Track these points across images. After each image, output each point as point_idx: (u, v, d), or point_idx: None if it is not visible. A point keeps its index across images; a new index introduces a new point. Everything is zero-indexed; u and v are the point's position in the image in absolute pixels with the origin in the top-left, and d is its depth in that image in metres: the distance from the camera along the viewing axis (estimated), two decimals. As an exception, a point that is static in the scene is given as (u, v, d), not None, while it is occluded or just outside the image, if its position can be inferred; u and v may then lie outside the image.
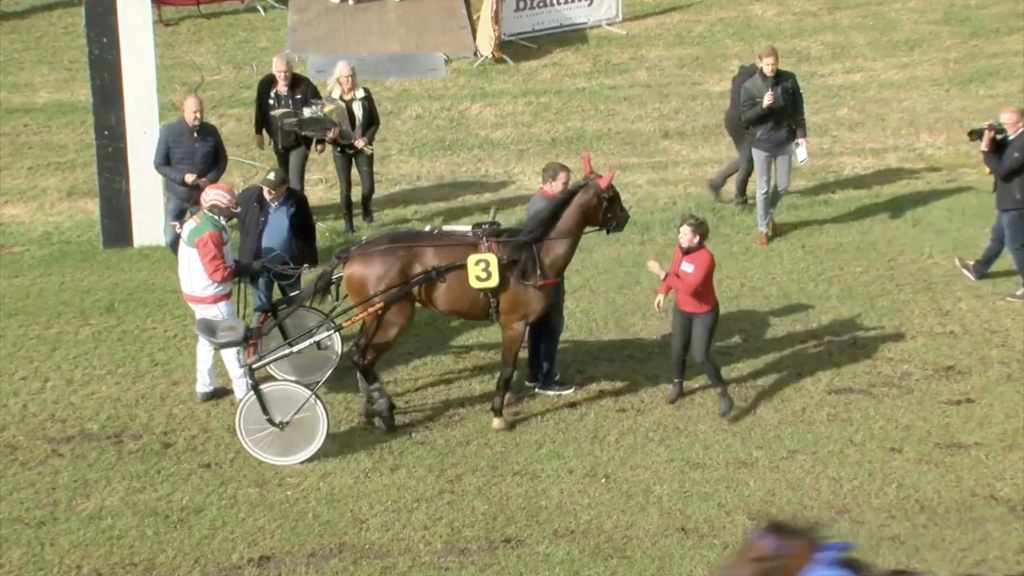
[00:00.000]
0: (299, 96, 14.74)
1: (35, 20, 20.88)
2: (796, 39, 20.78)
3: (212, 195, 11.67)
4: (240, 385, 11.79)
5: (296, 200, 12.53)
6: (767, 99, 14.41)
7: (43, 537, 10.36)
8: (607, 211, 11.47)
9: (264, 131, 15.10)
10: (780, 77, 14.72)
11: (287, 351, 11.52)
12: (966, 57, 20.03)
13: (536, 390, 12.13)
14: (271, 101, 14.80)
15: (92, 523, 10.51)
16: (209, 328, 11.44)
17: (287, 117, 14.56)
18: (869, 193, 16.19)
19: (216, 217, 11.59)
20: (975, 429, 11.74)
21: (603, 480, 11.01)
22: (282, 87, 14.79)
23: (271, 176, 12.34)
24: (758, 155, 14.91)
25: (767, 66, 14.63)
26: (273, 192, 12.23)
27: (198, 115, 13.63)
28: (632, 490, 10.91)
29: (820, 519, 10.59)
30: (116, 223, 14.60)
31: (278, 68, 14.85)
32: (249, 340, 11.41)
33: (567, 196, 11.39)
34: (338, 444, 11.46)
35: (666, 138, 17.78)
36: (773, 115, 14.60)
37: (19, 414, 11.87)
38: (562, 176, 11.84)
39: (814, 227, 15.35)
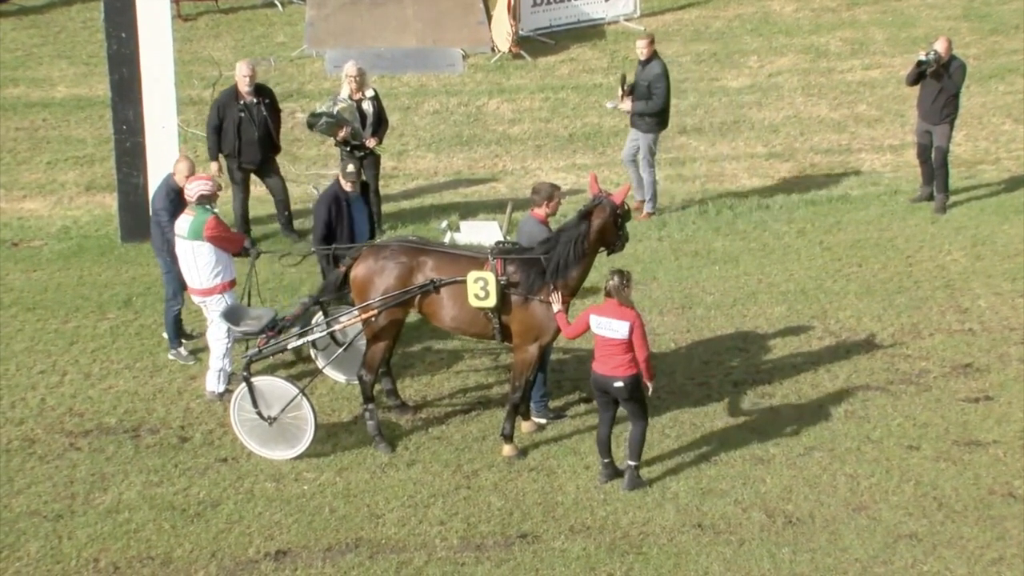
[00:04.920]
0: (268, 101, 14.23)
1: (54, 15, 20.94)
2: (814, 35, 20.71)
3: (197, 187, 11.60)
4: (212, 377, 11.87)
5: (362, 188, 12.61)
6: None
7: (60, 530, 10.40)
8: (619, 229, 11.03)
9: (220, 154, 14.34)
10: (651, 63, 15.01)
11: (282, 347, 11.60)
12: (985, 53, 19.94)
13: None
14: (241, 114, 14.07)
15: (109, 517, 10.55)
16: (235, 315, 11.48)
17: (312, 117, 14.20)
18: (887, 190, 16.14)
19: (207, 207, 11.61)
20: (993, 427, 11.69)
21: (619, 476, 10.99)
22: (249, 96, 14.09)
23: (350, 168, 12.26)
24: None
25: (638, 50, 15.14)
26: (353, 184, 12.20)
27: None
28: (648, 486, 10.90)
29: (837, 516, 10.59)
30: (134, 217, 14.59)
31: (243, 73, 14.10)
32: (265, 332, 11.41)
33: (583, 216, 10.89)
34: (355, 439, 11.47)
35: (683, 134, 17.74)
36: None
37: (37, 408, 11.90)
38: (556, 198, 11.49)
39: (832, 224, 15.31)
